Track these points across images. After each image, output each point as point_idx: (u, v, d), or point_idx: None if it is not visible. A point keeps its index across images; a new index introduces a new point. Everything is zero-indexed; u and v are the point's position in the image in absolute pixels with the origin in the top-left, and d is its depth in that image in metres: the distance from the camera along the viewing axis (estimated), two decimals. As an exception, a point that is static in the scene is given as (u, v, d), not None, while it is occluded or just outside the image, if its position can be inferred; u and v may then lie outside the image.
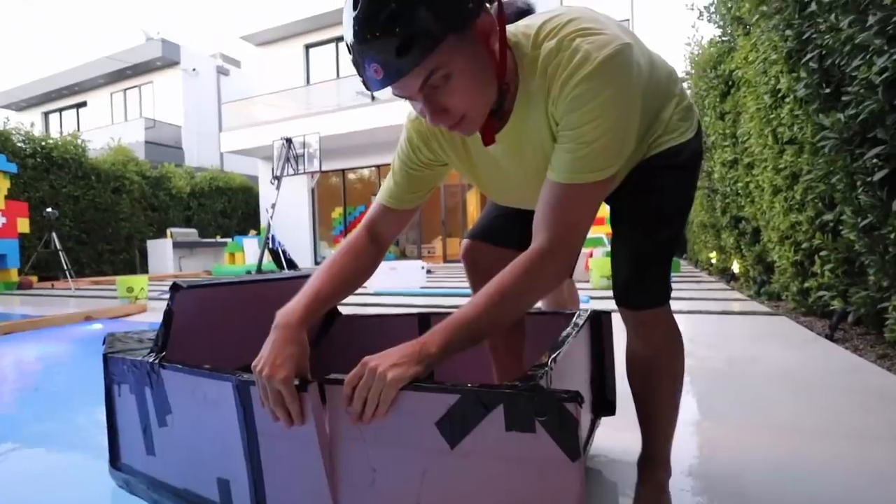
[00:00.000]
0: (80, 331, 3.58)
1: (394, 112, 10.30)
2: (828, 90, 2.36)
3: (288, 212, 11.93)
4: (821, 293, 2.59)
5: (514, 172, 0.84)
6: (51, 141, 9.45)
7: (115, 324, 3.82)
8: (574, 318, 1.12)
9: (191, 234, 11.71)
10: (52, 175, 9.29)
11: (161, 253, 10.84)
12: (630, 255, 0.91)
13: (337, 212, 13.17)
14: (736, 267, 4.89)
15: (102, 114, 17.08)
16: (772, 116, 3.03)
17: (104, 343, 1.46)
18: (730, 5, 3.71)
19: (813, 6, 2.29)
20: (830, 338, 2.43)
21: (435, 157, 0.89)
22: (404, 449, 0.67)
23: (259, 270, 7.61)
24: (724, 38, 4.17)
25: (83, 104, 17.59)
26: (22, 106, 18.38)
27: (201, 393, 0.88)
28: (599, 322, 1.17)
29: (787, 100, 2.75)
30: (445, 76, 0.63)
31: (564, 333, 1.01)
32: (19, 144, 8.89)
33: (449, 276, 6.21)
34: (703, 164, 4.81)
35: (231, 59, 18.16)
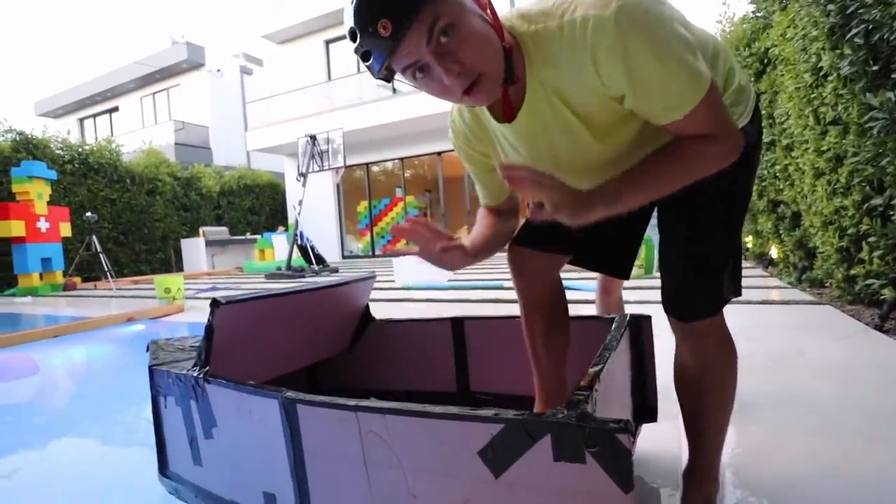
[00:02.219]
0: (123, 332, 3.73)
1: (415, 104, 10.27)
2: (875, 67, 2.22)
3: (314, 207, 12.10)
4: (869, 281, 2.47)
5: (549, 146, 0.81)
6: (87, 147, 9.80)
7: (155, 324, 3.96)
8: (614, 325, 1.10)
9: (222, 232, 12.01)
10: (89, 179, 9.65)
11: (195, 251, 11.18)
12: (680, 260, 0.87)
13: (362, 205, 13.27)
14: (774, 252, 4.71)
15: (134, 118, 17.61)
16: (813, 96, 2.88)
17: (147, 351, 1.51)
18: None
19: (858, -23, 2.16)
20: (881, 328, 2.31)
21: (485, 151, 0.90)
22: (445, 477, 0.66)
23: (289, 266, 7.76)
24: (758, 14, 3.97)
25: (115, 109, 18.16)
26: (59, 114, 19.11)
27: (246, 409, 0.90)
28: (639, 328, 1.14)
29: (830, 78, 2.60)
30: (449, 25, 0.63)
31: (605, 345, 0.98)
32: (58, 151, 9.25)
33: (475, 269, 6.19)
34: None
35: (253, 58, 18.40)
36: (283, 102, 12.59)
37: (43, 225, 7.57)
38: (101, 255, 7.43)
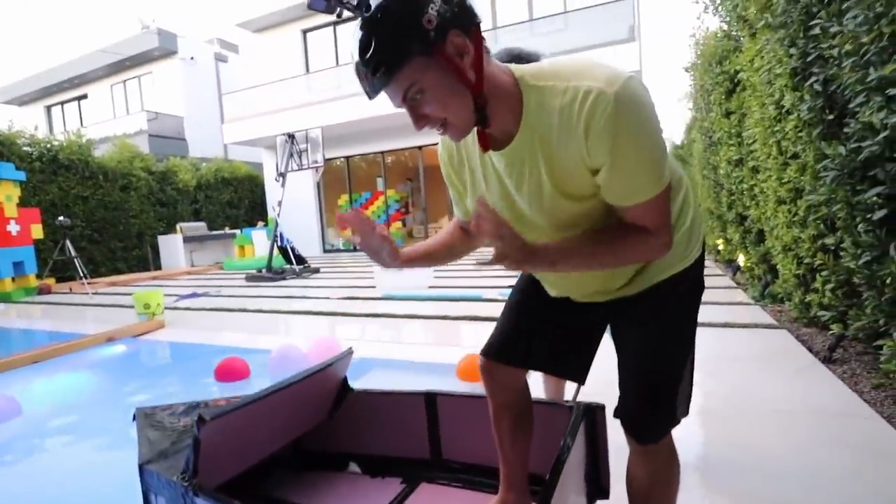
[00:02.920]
0: (103, 354, 3.73)
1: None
2: (831, 116, 2.34)
3: (295, 200, 11.98)
4: (821, 313, 2.63)
5: (513, 191, 0.91)
6: (56, 143, 9.50)
7: (136, 342, 3.96)
8: (573, 417, 1.19)
9: (199, 227, 11.84)
10: (60, 177, 9.39)
11: (172, 248, 11.02)
12: (634, 390, 0.98)
13: (343, 199, 13.19)
14: (741, 260, 4.91)
15: (104, 106, 17.03)
16: (776, 129, 3.00)
17: (134, 419, 1.56)
18: (736, 3, 3.60)
19: (817, 29, 2.26)
20: (829, 359, 2.48)
21: (459, 172, 1.01)
22: None
23: (269, 268, 7.74)
24: (729, 34, 4.07)
25: (84, 97, 17.52)
26: (24, 101, 18.36)
27: (233, 526, 0.97)
28: (594, 417, 1.24)
29: (791, 117, 2.72)
30: (419, 90, 0.76)
31: (564, 442, 1.08)
32: (25, 148, 8.96)
33: (457, 278, 6.28)
34: (709, 159, 4.72)
35: (229, 44, 17.87)
36: (261, 94, 12.33)
37: (13, 228, 7.39)
38: (75, 259, 7.29)
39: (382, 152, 12.30)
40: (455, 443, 1.49)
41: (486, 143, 0.85)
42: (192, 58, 15.61)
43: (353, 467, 1.59)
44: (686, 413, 0.99)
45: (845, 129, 2.17)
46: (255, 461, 1.35)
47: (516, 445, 1.17)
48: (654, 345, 0.97)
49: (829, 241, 2.46)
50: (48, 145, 9.33)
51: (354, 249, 13.11)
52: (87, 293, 7.29)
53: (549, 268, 0.84)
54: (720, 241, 6.13)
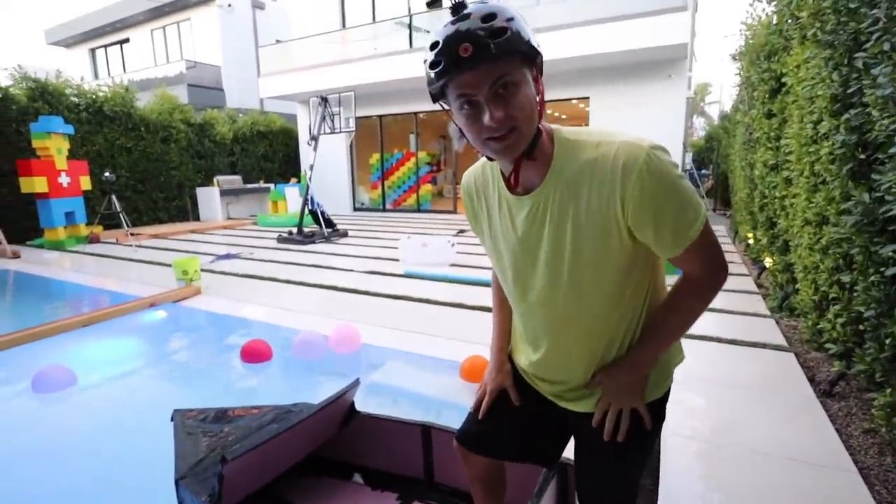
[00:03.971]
0: (147, 319, 4.08)
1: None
2: (862, 156, 2.26)
3: (327, 157, 12.12)
4: (828, 345, 2.64)
5: (521, 243, 0.94)
6: (101, 94, 9.80)
7: (175, 309, 4.29)
8: (542, 475, 1.33)
9: (235, 181, 12.20)
10: (105, 128, 9.75)
11: (210, 200, 11.45)
12: (590, 499, 1.08)
13: (374, 157, 13.26)
14: (768, 262, 4.82)
15: (145, 51, 17.24)
16: (811, 149, 2.90)
17: (172, 420, 1.79)
18: (790, 1, 3.37)
19: (860, 62, 2.15)
20: (829, 393, 2.52)
21: (478, 219, 1.06)
22: None
23: (300, 231, 8.01)
24: (781, 29, 3.81)
25: (126, 41, 17.76)
26: (69, 43, 18.74)
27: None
28: (565, 473, 1.37)
29: (827, 142, 2.63)
30: (510, 84, 0.78)
31: (533, 500, 1.23)
32: (73, 99, 9.29)
33: (474, 261, 6.38)
34: (747, 156, 4.59)
35: (266, -11, 17.57)
36: (296, 48, 12.24)
37: (64, 180, 7.83)
38: (120, 213, 7.72)
39: (415, 112, 12.18)
40: (446, 469, 1.66)
41: (517, 180, 0.89)
42: (229, 4, 15.48)
43: (357, 478, 1.80)
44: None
45: (874, 175, 2.11)
46: (272, 477, 1.56)
47: (491, 494, 1.32)
48: (610, 475, 1.04)
49: (846, 278, 2.44)
50: (94, 96, 9.64)
51: (382, 209, 13.29)
52: (132, 245, 7.77)
53: (649, 366, 0.97)
54: (751, 236, 5.98)
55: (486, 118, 0.78)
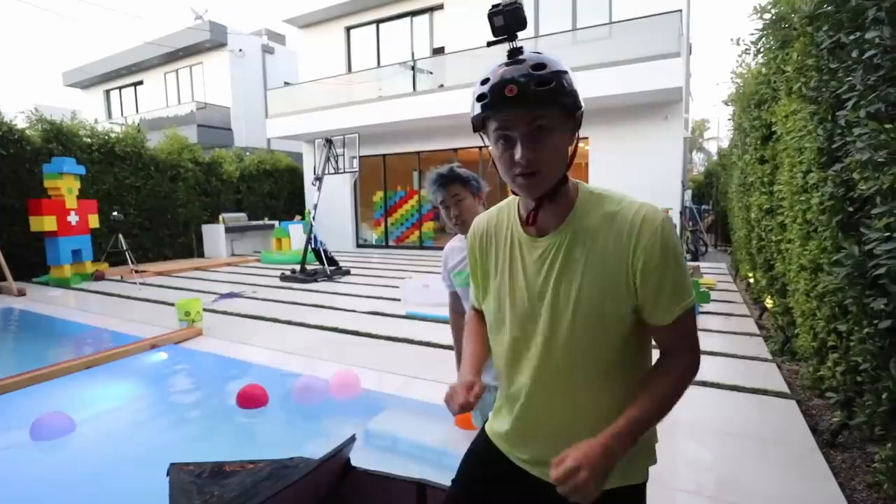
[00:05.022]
0: (147, 361, 4.09)
1: (434, 104, 10.27)
2: (850, 209, 2.32)
3: (331, 195, 12.32)
4: (829, 394, 2.63)
5: (528, 286, 0.96)
6: (113, 135, 10.09)
7: (176, 350, 4.30)
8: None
9: (241, 218, 12.38)
10: (115, 168, 10.00)
11: (215, 237, 11.59)
12: None
13: (378, 195, 13.47)
14: (768, 303, 4.82)
15: (158, 92, 17.84)
16: (802, 198, 2.96)
17: (168, 474, 1.79)
18: (776, 55, 3.51)
19: (842, 120, 2.23)
20: (832, 443, 2.49)
21: (486, 259, 1.07)
22: None
23: (303, 269, 8.08)
24: (769, 80, 3.96)
25: (140, 83, 18.40)
26: (86, 85, 19.44)
27: None
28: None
29: (817, 193, 2.69)
30: (544, 128, 0.84)
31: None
32: (86, 139, 9.58)
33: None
34: (742, 198, 4.62)
35: (276, 34, 18.31)
36: (303, 91, 12.66)
37: (73, 219, 7.98)
38: (126, 252, 7.83)
39: (418, 152, 12.45)
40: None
41: (536, 218, 0.94)
42: (240, 50, 16.11)
43: (353, 536, 1.78)
44: None
45: (862, 228, 2.16)
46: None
47: None
48: None
49: (842, 326, 2.45)
50: (106, 137, 9.93)
51: (385, 245, 13.40)
52: (136, 282, 7.83)
53: (629, 446, 0.86)
54: (751, 276, 6.00)
55: (518, 154, 0.85)
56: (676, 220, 8.71)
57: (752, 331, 4.52)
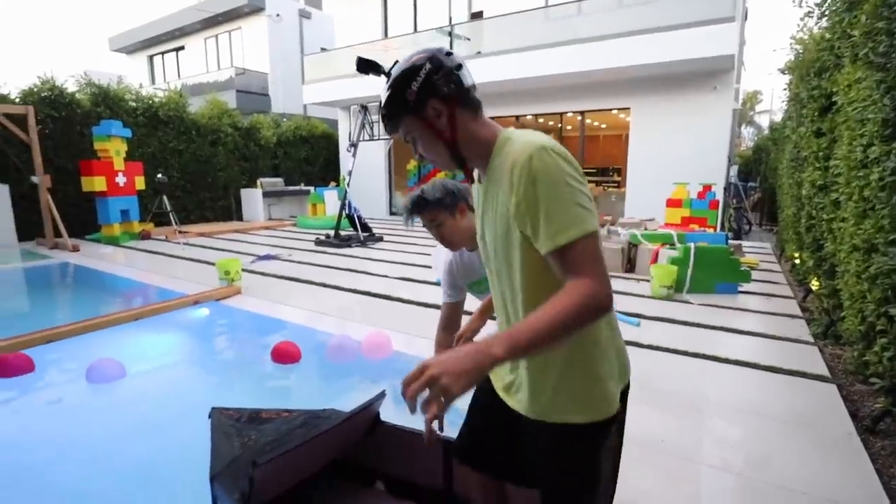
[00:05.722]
0: (191, 316, 4.30)
1: (472, 70, 10.03)
2: (914, 183, 2.16)
3: (365, 164, 12.38)
4: (874, 380, 2.52)
5: (482, 217, 1.11)
6: (156, 99, 10.37)
7: (217, 307, 4.50)
8: None
9: (277, 183, 12.63)
10: (159, 132, 10.31)
11: (253, 201, 11.90)
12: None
13: (411, 164, 13.44)
14: (813, 285, 4.62)
15: (198, 58, 18.12)
16: (860, 174, 2.78)
17: (210, 417, 1.90)
18: (842, 18, 3.24)
19: (914, 87, 2.06)
20: (872, 429, 2.41)
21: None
22: None
23: (337, 234, 8.22)
24: (832, 46, 3.67)
25: (181, 48, 18.71)
26: (131, 50, 19.91)
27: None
28: None
29: (877, 168, 2.52)
30: (412, 137, 1.05)
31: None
32: (131, 104, 9.88)
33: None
34: (793, 174, 4.44)
35: (313, -2, 18.17)
36: (339, 57, 12.58)
37: (121, 180, 8.33)
38: (170, 213, 8.14)
39: (453, 121, 12.27)
40: (466, 482, 1.70)
41: (470, 177, 1.11)
42: (277, 15, 16.08)
43: (379, 485, 1.86)
44: None
45: (925, 204, 2.02)
46: (299, 480, 1.64)
47: None
48: (548, 489, 1.06)
49: (894, 311, 2.33)
50: (150, 101, 10.21)
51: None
52: (180, 242, 8.17)
53: (509, 349, 0.82)
54: (797, 256, 5.74)
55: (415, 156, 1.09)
56: (720, 196, 8.35)
57: (795, 312, 4.35)
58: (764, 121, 27.76)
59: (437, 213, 1.68)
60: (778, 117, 14.56)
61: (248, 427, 1.80)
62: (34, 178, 7.68)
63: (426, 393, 0.77)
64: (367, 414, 1.71)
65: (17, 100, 8.23)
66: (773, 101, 30.04)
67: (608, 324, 1.03)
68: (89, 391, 2.85)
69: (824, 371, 3.06)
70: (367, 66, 1.14)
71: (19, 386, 2.91)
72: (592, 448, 1.00)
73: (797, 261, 5.77)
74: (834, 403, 2.65)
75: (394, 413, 1.90)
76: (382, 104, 1.04)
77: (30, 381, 2.97)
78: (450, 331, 1.92)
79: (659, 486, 1.94)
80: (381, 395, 1.74)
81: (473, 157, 1.04)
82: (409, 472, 1.80)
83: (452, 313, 1.92)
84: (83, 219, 8.78)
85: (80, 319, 3.83)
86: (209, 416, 1.91)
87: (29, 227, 8.20)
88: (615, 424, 1.02)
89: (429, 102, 0.99)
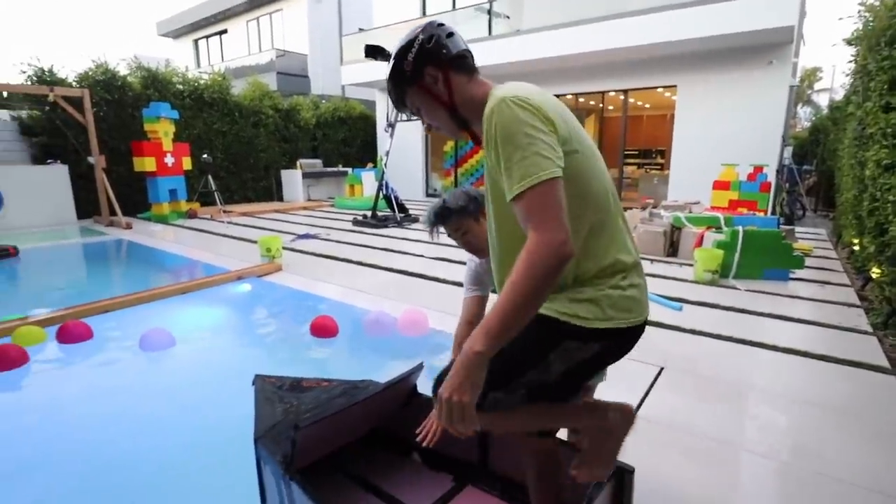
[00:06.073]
0: (234, 291, 4.46)
1: (510, 49, 9.84)
2: None
3: (402, 144, 12.40)
4: (941, 371, 2.35)
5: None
6: (202, 82, 10.67)
7: (259, 283, 4.66)
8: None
9: (316, 164, 12.85)
10: (204, 113, 10.63)
11: (293, 182, 12.17)
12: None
13: (448, 145, 13.37)
14: (874, 272, 4.34)
15: (240, 41, 18.48)
16: (936, 149, 2.56)
17: (253, 384, 1.97)
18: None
19: None
20: (937, 424, 2.26)
21: None
22: None
23: (374, 215, 8.32)
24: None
25: (224, 31, 19.12)
26: (177, 34, 20.51)
27: (314, 514, 1.28)
28: (622, 479, 1.36)
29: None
30: (417, 108, 1.13)
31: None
32: (178, 86, 10.21)
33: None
34: (857, 153, 4.18)
35: (352, -22, 18.11)
36: (378, 37, 12.54)
37: (169, 160, 8.66)
38: (215, 192, 8.42)
39: (490, 101, 12.09)
40: (501, 456, 1.70)
41: (476, 139, 1.13)
42: (318, -5, 16.16)
43: (415, 456, 1.89)
44: (492, 408, 1.05)
45: None
46: (338, 446, 1.68)
47: (541, 484, 1.35)
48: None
49: (967, 297, 2.15)
50: (196, 84, 10.52)
51: (454, 197, 13.41)
52: (224, 221, 8.46)
53: (489, 342, 0.86)
54: (856, 242, 5.39)
55: (423, 126, 1.18)
56: (772, 178, 7.92)
57: (852, 301, 4.11)
58: (823, 100, 25.99)
59: (462, 221, 1.65)
60: (839, 96, 13.57)
61: (289, 394, 1.85)
62: (90, 159, 8.09)
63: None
64: (405, 385, 1.73)
65: (74, 83, 8.65)
66: (835, 79, 28.04)
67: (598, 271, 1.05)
68: (142, 357, 3.01)
69: (883, 362, 2.88)
70: (373, 52, 1.29)
71: (80, 352, 3.11)
72: (548, 335, 1.03)
73: (856, 247, 5.42)
74: (892, 396, 2.49)
75: (430, 387, 1.91)
76: (387, 81, 1.10)
77: (89, 348, 3.16)
78: (473, 326, 1.91)
79: (700, 470, 1.89)
80: (419, 367, 1.75)
81: (474, 119, 1.09)
82: (446, 445, 1.81)
83: (476, 308, 1.90)
84: (135, 198, 9.21)
85: (134, 292, 4.04)
86: (252, 383, 1.98)
87: (87, 205, 8.68)
88: (580, 341, 1.03)
89: (425, 70, 1.07)
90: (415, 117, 1.21)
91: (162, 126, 8.51)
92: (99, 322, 3.47)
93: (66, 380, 2.81)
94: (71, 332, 3.20)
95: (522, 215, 0.88)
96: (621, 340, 1.09)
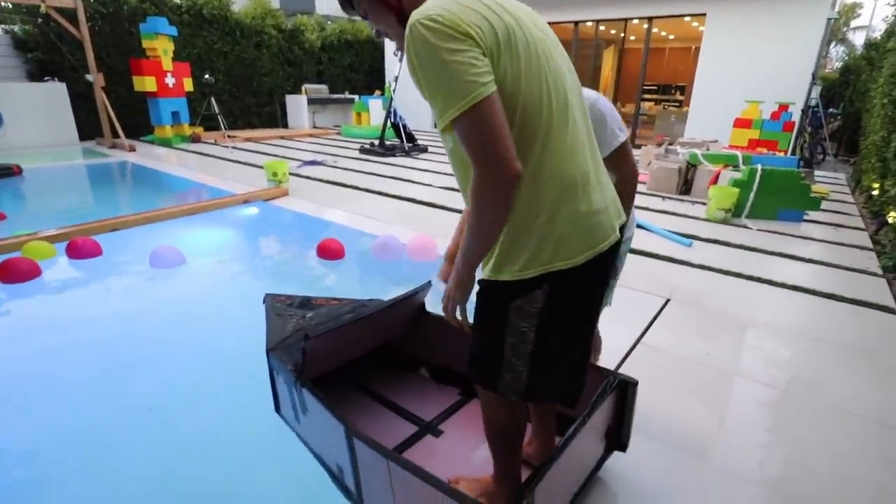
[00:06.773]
0: (242, 213, 4.45)
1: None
2: None
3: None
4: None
5: None
6: (200, -3, 10.06)
7: (265, 206, 4.63)
8: (600, 389, 1.34)
9: (322, 90, 12.38)
10: (204, 31, 10.11)
11: (298, 108, 11.80)
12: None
13: (458, 74, 12.79)
14: (891, 217, 4.25)
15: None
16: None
17: (264, 302, 1.99)
18: None
19: None
20: (939, 361, 2.28)
21: None
22: None
23: (381, 141, 8.12)
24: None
25: (223, -60, 17.75)
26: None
27: (324, 418, 1.32)
28: (625, 390, 1.38)
29: None
30: (366, 13, 1.03)
31: (588, 409, 1.26)
32: (176, 0, 9.63)
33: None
34: (892, 91, 3.95)
35: None
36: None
37: (170, 81, 8.34)
38: (219, 116, 8.18)
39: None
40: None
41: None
42: None
43: (423, 371, 1.93)
44: (514, 392, 1.04)
45: None
46: (348, 359, 1.72)
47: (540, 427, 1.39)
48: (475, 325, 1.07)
49: None
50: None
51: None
52: (228, 146, 8.29)
53: (466, 264, 0.96)
54: (876, 186, 5.25)
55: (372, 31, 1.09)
56: (796, 118, 7.58)
57: (864, 244, 4.05)
58: (859, 39, 24.40)
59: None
60: (877, 34, 12.67)
61: (299, 310, 1.87)
62: (89, 77, 7.79)
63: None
64: (414, 302, 1.74)
65: (66, -7, 8.15)
66: (875, 15, 26.14)
67: (544, 205, 0.91)
68: (153, 274, 3.04)
69: (890, 302, 2.88)
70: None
71: (89, 267, 3.14)
72: (492, 303, 1.00)
73: (875, 191, 5.28)
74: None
75: (439, 306, 1.92)
76: None
77: (98, 264, 3.19)
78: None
79: (699, 394, 1.94)
80: (427, 284, 1.75)
81: None
82: (453, 361, 1.85)
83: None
84: (136, 120, 8.98)
85: (141, 211, 4.02)
86: (263, 301, 2.00)
87: (87, 126, 8.48)
88: (520, 298, 0.95)
89: None
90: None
91: (160, 43, 8.12)
92: (108, 240, 3.48)
93: (78, 294, 2.86)
94: (80, 248, 3.21)
95: (461, 141, 0.83)
96: (578, 273, 0.95)
